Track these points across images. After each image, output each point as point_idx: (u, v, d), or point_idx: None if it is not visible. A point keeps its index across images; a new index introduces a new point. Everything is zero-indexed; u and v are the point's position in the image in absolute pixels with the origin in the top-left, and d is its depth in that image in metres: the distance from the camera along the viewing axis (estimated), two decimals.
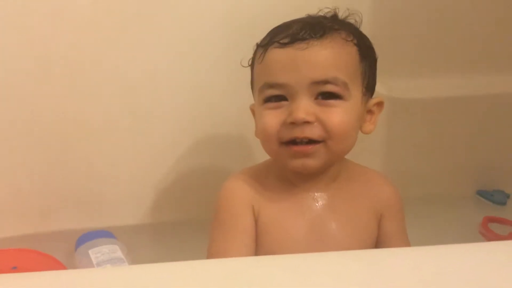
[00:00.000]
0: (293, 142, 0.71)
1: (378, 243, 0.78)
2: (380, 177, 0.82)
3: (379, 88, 1.09)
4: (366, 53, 0.75)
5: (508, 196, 1.18)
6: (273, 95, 0.71)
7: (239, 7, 1.02)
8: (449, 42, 1.13)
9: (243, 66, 0.78)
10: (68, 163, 1.04)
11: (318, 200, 0.76)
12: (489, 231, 1.06)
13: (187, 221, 1.08)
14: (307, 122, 0.69)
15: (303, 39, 0.69)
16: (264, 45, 0.73)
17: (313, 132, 0.70)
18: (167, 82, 1.04)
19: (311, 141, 0.70)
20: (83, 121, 1.03)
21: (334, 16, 0.76)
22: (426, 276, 0.50)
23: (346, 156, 0.78)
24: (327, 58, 0.70)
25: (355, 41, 0.73)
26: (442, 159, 1.17)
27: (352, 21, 0.77)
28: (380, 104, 0.77)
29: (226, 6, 1.02)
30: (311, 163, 0.72)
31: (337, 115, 0.70)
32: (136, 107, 1.04)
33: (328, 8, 0.77)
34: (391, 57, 1.09)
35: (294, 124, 0.69)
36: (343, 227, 0.75)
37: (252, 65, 0.78)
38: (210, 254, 0.75)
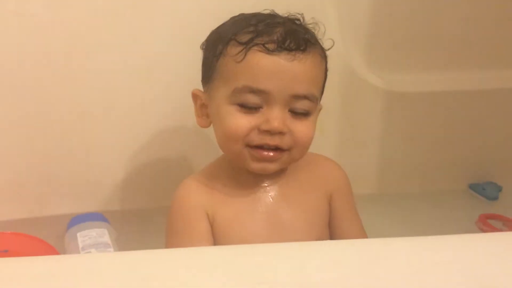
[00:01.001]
0: (260, 146, 0.72)
1: (330, 223, 0.81)
2: (327, 161, 0.84)
3: (376, 81, 1.11)
4: (327, 67, 0.78)
5: (500, 189, 1.18)
6: (252, 101, 0.71)
7: (231, 4, 1.02)
8: (445, 36, 1.13)
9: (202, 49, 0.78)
10: (64, 150, 1.04)
11: (270, 192, 0.78)
12: (487, 225, 1.06)
13: None
14: (280, 133, 0.71)
15: (289, 50, 0.70)
16: (245, 44, 0.71)
17: (283, 141, 0.72)
18: (162, 72, 1.04)
19: (277, 148, 0.73)
20: (79, 109, 1.02)
21: (302, 24, 0.77)
22: (423, 266, 0.51)
23: None
24: (309, 74, 0.72)
25: (325, 57, 0.76)
26: (436, 153, 1.18)
27: (314, 30, 0.77)
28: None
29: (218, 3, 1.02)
30: (271, 167, 0.74)
31: (306, 128, 0.73)
32: (131, 95, 1.04)
33: (293, 13, 0.77)
34: (388, 51, 1.12)
35: (268, 132, 0.71)
36: (296, 213, 0.78)
37: (216, 55, 0.75)
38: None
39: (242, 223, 0.76)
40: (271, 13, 0.77)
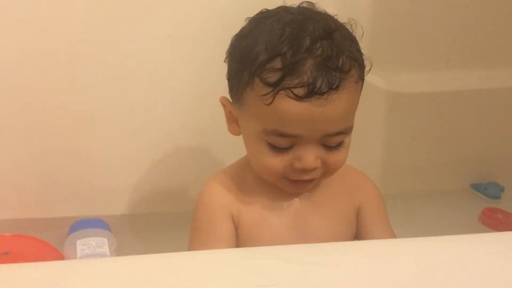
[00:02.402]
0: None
1: (359, 236, 0.79)
2: (356, 173, 0.82)
3: (378, 82, 1.11)
4: (364, 76, 0.73)
5: (502, 189, 1.18)
6: (282, 144, 0.68)
7: (241, 3, 1.01)
8: (448, 36, 1.13)
9: (220, 65, 0.75)
10: (65, 152, 1.04)
11: (298, 199, 0.76)
12: (492, 217, 1.07)
13: (183, 213, 1.07)
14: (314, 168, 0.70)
15: (321, 94, 0.65)
16: (272, 86, 0.65)
17: (317, 173, 0.71)
18: (165, 75, 1.04)
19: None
20: (81, 111, 1.02)
21: (332, 31, 0.68)
22: (429, 266, 0.50)
23: None
24: (344, 110, 0.67)
25: (361, 79, 0.71)
26: (438, 153, 1.18)
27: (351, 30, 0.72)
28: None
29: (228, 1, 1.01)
30: (305, 190, 0.74)
31: (340, 156, 0.71)
32: (134, 99, 1.04)
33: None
34: (391, 51, 1.11)
35: (302, 169, 0.69)
36: (324, 221, 0.76)
37: (242, 84, 0.70)
38: None
39: (267, 225, 0.75)
40: (299, 17, 0.69)
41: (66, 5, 0.97)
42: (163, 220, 1.07)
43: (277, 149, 0.69)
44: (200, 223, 0.76)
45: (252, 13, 0.81)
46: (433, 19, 1.12)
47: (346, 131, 0.69)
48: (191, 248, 0.75)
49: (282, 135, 0.67)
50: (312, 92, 0.65)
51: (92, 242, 0.94)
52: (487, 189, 1.18)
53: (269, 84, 0.66)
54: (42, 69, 0.99)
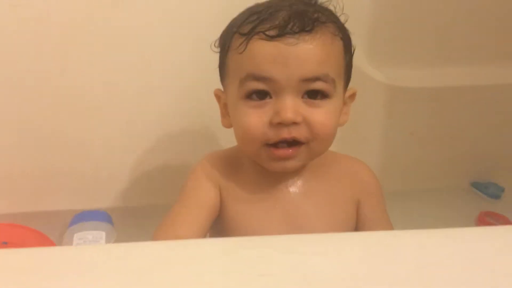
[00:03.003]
0: (275, 145, 0.68)
1: (358, 229, 0.77)
2: (356, 163, 0.80)
3: (378, 76, 1.10)
4: (349, 47, 0.73)
5: (502, 190, 1.18)
6: (257, 89, 0.67)
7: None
8: (449, 31, 1.12)
9: (214, 51, 0.74)
10: (62, 145, 1.03)
11: (291, 188, 0.74)
12: (486, 223, 1.06)
13: None
14: (294, 123, 0.66)
15: (292, 33, 0.65)
16: (246, 34, 0.67)
17: (300, 133, 0.67)
18: (163, 66, 1.03)
19: (294, 142, 0.68)
20: (77, 103, 1.02)
21: (314, 4, 0.72)
22: (432, 258, 0.50)
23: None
24: (318, 54, 0.66)
25: (341, 35, 0.70)
26: (439, 149, 1.17)
27: (331, 7, 0.73)
28: (353, 96, 0.76)
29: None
30: (291, 165, 0.70)
31: (324, 115, 0.68)
32: (131, 90, 1.03)
33: None
34: (392, 46, 1.11)
35: (281, 124, 0.66)
36: (318, 212, 0.74)
37: (223, 51, 0.72)
38: (161, 223, 0.73)
39: (256, 213, 0.73)
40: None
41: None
42: (161, 213, 1.07)
43: (255, 102, 0.67)
44: (186, 187, 0.75)
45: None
46: (433, 14, 1.11)
47: (325, 79, 0.67)
48: (171, 209, 0.74)
49: (256, 78, 0.66)
50: (283, 32, 0.65)
51: (88, 236, 0.94)
52: (487, 188, 1.18)
53: (243, 34, 0.67)
54: (36, 60, 0.98)
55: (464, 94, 1.13)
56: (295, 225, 0.73)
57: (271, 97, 0.67)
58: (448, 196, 1.15)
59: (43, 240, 0.95)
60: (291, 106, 0.66)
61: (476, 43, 1.14)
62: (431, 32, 1.12)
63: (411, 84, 1.12)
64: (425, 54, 1.13)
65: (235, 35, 0.70)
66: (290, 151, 0.69)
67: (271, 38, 0.65)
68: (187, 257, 0.50)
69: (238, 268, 0.48)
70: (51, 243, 0.95)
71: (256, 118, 0.67)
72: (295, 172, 0.74)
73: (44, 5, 0.96)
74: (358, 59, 1.06)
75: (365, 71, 1.09)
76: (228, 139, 1.05)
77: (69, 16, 0.97)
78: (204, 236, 0.73)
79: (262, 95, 0.68)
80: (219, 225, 0.75)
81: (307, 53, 0.66)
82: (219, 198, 0.74)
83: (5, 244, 0.93)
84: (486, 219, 1.08)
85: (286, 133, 0.67)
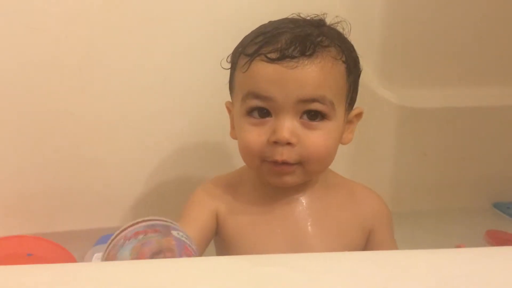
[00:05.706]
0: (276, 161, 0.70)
1: None
2: (365, 190, 0.81)
3: (390, 96, 1.10)
4: (353, 69, 0.74)
5: None
6: (257, 106, 0.70)
7: (246, 9, 1.02)
8: (459, 52, 1.12)
9: (224, 68, 0.77)
10: (75, 164, 1.04)
11: (296, 208, 0.76)
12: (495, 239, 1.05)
13: None
14: (289, 144, 0.69)
15: (292, 57, 0.68)
16: (250, 55, 0.71)
17: (290, 156, 0.69)
18: (176, 84, 1.04)
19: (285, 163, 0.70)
20: (91, 122, 1.03)
21: (322, 26, 0.74)
22: (443, 278, 0.49)
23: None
24: (315, 77, 0.69)
25: (343, 59, 0.72)
26: (455, 170, 1.16)
27: (339, 29, 0.75)
28: (359, 115, 0.77)
29: (234, 8, 1.03)
30: (290, 180, 0.72)
31: (320, 137, 0.70)
32: (145, 108, 1.04)
33: (316, 14, 0.76)
34: (402, 66, 1.11)
35: (276, 143, 0.69)
36: (321, 234, 0.75)
37: (232, 68, 0.76)
38: None
39: (259, 235, 0.74)
40: (295, 17, 0.75)
41: (78, 13, 0.98)
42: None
43: (255, 120, 0.71)
44: (184, 208, 0.78)
45: (262, 21, 0.83)
46: (445, 35, 1.11)
47: (323, 101, 0.69)
48: None
49: (256, 96, 0.70)
50: (284, 55, 0.69)
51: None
52: (509, 208, 1.16)
53: (247, 55, 0.71)
54: (51, 77, 0.99)
55: (475, 115, 1.12)
56: (295, 245, 0.74)
57: (271, 116, 0.70)
58: (469, 217, 1.13)
59: (65, 254, 0.97)
60: (288, 126, 0.69)
61: (488, 64, 1.13)
62: (443, 53, 1.11)
63: (423, 105, 1.12)
64: (437, 74, 1.13)
65: (241, 55, 0.73)
66: (284, 168, 0.71)
67: (272, 61, 0.69)
68: (200, 275, 0.51)
69: (251, 286, 0.49)
70: (71, 257, 0.96)
71: (255, 136, 0.71)
72: (300, 194, 0.76)
73: (62, 28, 0.98)
74: (370, 80, 1.07)
75: (377, 92, 1.09)
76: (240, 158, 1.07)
77: (87, 38, 0.99)
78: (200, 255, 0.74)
79: (263, 113, 0.71)
80: (222, 245, 0.78)
81: (305, 76, 0.69)
82: (215, 220, 0.76)
83: (30, 256, 0.96)
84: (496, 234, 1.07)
85: (278, 156, 0.70)
